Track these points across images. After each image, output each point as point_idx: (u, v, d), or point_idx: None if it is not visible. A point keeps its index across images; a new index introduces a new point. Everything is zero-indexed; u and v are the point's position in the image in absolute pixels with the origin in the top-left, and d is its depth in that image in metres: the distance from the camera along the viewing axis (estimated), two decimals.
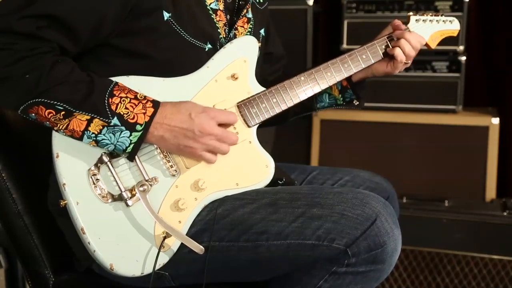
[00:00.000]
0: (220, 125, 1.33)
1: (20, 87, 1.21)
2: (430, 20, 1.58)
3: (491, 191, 2.61)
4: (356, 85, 1.59)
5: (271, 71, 1.69)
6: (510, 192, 2.75)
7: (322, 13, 3.01)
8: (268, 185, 1.40)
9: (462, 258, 2.39)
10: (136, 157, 1.30)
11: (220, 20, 1.43)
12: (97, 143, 1.27)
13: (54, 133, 1.30)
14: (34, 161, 1.52)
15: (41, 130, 1.34)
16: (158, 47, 1.33)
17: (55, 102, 1.23)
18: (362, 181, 1.62)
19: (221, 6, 1.43)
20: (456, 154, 2.64)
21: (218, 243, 1.31)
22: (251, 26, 1.52)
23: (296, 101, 1.44)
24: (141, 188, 1.29)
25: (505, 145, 2.75)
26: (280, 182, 1.48)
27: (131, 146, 1.27)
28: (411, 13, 1.58)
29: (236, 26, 1.47)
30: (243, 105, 1.40)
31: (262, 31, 1.58)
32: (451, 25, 1.62)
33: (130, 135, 1.26)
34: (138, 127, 1.26)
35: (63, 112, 1.24)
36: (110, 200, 1.30)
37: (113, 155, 1.31)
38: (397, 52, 1.50)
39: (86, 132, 1.25)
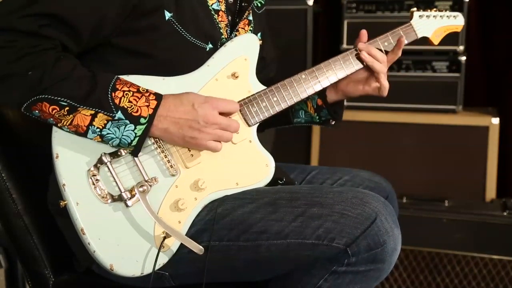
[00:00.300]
0: (222, 114, 1.34)
1: (23, 84, 1.21)
2: (434, 16, 1.58)
3: (491, 191, 2.61)
4: (331, 105, 1.58)
5: (262, 75, 1.68)
6: (510, 192, 2.75)
7: (322, 13, 3.01)
8: (268, 185, 1.40)
9: (462, 258, 2.39)
10: (136, 157, 1.30)
11: (222, 21, 1.43)
12: (102, 137, 1.27)
13: (54, 134, 1.31)
14: (34, 161, 1.52)
15: (41, 130, 1.34)
16: (159, 46, 1.33)
17: (59, 98, 1.23)
18: (361, 181, 1.62)
19: (223, 7, 1.44)
20: (456, 154, 2.64)
21: (218, 243, 1.32)
22: (251, 28, 1.52)
23: (297, 99, 1.44)
24: (140, 189, 1.29)
25: (505, 145, 2.75)
26: (280, 182, 1.48)
27: (136, 139, 1.27)
28: (414, 9, 1.57)
29: (237, 27, 1.48)
30: (244, 104, 1.40)
31: (258, 35, 1.58)
32: (455, 21, 1.61)
33: (135, 128, 1.26)
34: (142, 120, 1.26)
35: (67, 108, 1.24)
36: (110, 201, 1.30)
37: (113, 155, 1.31)
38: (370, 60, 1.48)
39: (90, 127, 1.26)
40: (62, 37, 1.26)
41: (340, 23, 2.78)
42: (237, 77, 1.40)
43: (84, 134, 1.27)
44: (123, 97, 1.26)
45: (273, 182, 1.41)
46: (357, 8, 2.73)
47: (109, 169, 1.30)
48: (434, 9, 1.59)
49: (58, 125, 1.28)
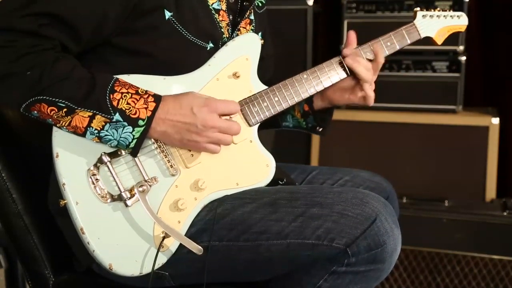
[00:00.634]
0: (222, 115, 1.33)
1: (22, 83, 1.21)
2: (437, 16, 1.57)
3: (491, 191, 2.61)
4: (318, 112, 1.57)
5: (260, 74, 1.68)
6: (510, 192, 2.75)
7: (322, 13, 3.01)
8: (269, 185, 1.40)
9: (462, 258, 2.39)
10: (136, 157, 1.30)
11: (222, 20, 1.43)
12: (100, 139, 1.27)
13: (54, 133, 1.31)
14: (34, 161, 1.52)
15: (41, 130, 1.34)
16: (159, 46, 1.33)
17: (57, 99, 1.23)
18: (362, 181, 1.62)
19: (224, 7, 1.43)
20: (456, 154, 2.64)
21: (218, 243, 1.31)
22: (252, 28, 1.52)
23: (299, 99, 1.44)
24: (140, 189, 1.29)
25: (505, 145, 2.75)
26: (281, 183, 1.47)
27: (134, 141, 1.27)
28: (417, 9, 1.57)
29: (239, 27, 1.47)
30: (245, 104, 1.40)
31: (259, 35, 1.58)
32: (459, 20, 1.61)
33: (133, 130, 1.26)
34: (141, 122, 1.26)
35: (65, 109, 1.24)
36: (109, 200, 1.30)
37: (113, 154, 1.31)
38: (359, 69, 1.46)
39: (88, 128, 1.26)
40: (62, 37, 1.26)
41: (340, 23, 2.78)
42: (238, 76, 1.40)
43: (82, 135, 1.27)
44: (121, 99, 1.26)
45: (273, 183, 1.41)
46: (357, 8, 2.73)
47: (109, 168, 1.30)
48: (438, 9, 1.59)
49: (57, 125, 1.28)
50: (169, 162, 1.33)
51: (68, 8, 1.24)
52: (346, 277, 1.29)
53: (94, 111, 1.24)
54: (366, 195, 1.31)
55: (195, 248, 1.28)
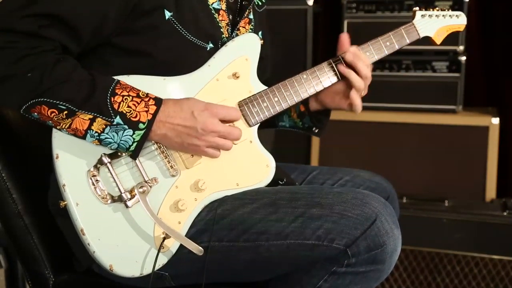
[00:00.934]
0: (223, 121, 1.33)
1: (23, 85, 1.21)
2: (436, 15, 1.57)
3: (491, 191, 2.61)
4: (314, 113, 1.57)
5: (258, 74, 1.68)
6: (510, 192, 2.75)
7: (322, 13, 3.01)
8: (269, 186, 1.40)
9: (462, 258, 2.39)
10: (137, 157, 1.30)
11: (222, 20, 1.43)
12: (100, 141, 1.27)
13: (54, 134, 1.30)
14: (34, 161, 1.52)
15: (41, 130, 1.34)
16: (159, 46, 1.33)
17: (58, 102, 1.23)
18: (362, 181, 1.62)
19: (224, 6, 1.43)
20: (456, 154, 2.64)
21: (218, 243, 1.31)
22: (252, 27, 1.52)
23: (298, 99, 1.44)
24: (140, 190, 1.29)
25: (505, 145, 2.75)
26: (281, 183, 1.47)
27: (134, 144, 1.27)
28: (416, 8, 1.56)
29: (238, 26, 1.47)
30: (244, 104, 1.40)
31: (259, 34, 1.58)
32: (458, 20, 1.60)
33: (133, 133, 1.26)
34: (141, 126, 1.26)
35: (65, 112, 1.24)
36: (109, 201, 1.30)
37: (113, 155, 1.31)
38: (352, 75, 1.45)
39: (89, 131, 1.25)
40: (62, 38, 1.26)
41: (340, 23, 2.78)
42: (238, 77, 1.40)
43: (82, 138, 1.27)
44: (122, 102, 1.26)
45: (273, 183, 1.41)
46: (357, 8, 2.73)
47: (109, 169, 1.30)
48: (437, 8, 1.59)
49: (57, 127, 1.28)
50: (169, 162, 1.33)
51: (68, 8, 1.24)
52: (346, 277, 1.29)
53: (95, 114, 1.24)
54: (366, 195, 1.31)
55: (196, 248, 1.28)
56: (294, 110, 1.60)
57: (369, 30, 2.67)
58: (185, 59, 1.37)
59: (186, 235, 1.32)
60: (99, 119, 1.25)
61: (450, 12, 1.60)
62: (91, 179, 1.30)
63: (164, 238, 1.30)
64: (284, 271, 1.36)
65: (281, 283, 1.38)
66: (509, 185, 2.80)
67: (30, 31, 1.21)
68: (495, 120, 2.61)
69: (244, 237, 1.30)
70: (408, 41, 1.54)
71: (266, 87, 1.43)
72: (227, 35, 1.44)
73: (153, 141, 1.32)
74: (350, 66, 1.46)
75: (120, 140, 1.26)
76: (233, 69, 1.40)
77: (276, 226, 1.29)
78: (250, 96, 1.41)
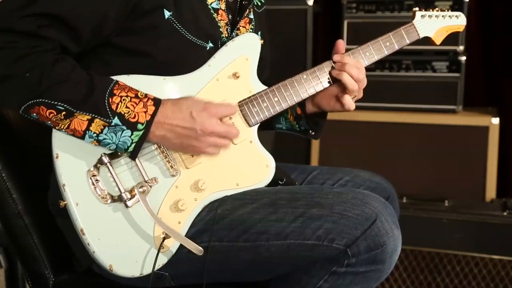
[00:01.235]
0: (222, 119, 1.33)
1: (22, 85, 1.21)
2: (436, 16, 1.57)
3: (491, 191, 2.61)
4: (310, 116, 1.56)
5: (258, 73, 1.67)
6: (510, 192, 2.75)
7: (322, 13, 3.01)
8: (269, 186, 1.40)
9: (462, 258, 2.39)
10: (136, 157, 1.30)
11: (221, 20, 1.43)
12: (99, 142, 1.27)
13: (54, 134, 1.30)
14: (34, 161, 1.52)
15: (41, 130, 1.34)
16: (159, 46, 1.33)
17: (56, 102, 1.23)
18: (362, 181, 1.62)
19: (223, 6, 1.43)
20: (456, 154, 2.64)
21: (218, 243, 1.31)
22: (252, 27, 1.52)
23: (298, 99, 1.44)
24: (140, 189, 1.29)
25: (505, 145, 2.75)
26: (281, 183, 1.47)
27: (133, 145, 1.27)
28: (416, 9, 1.56)
29: (238, 26, 1.47)
30: (244, 104, 1.40)
31: (259, 34, 1.58)
32: (458, 20, 1.60)
33: (132, 134, 1.26)
34: (140, 126, 1.26)
35: (64, 112, 1.24)
36: (109, 201, 1.30)
37: (113, 155, 1.31)
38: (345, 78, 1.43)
39: (87, 132, 1.25)
40: (62, 38, 1.26)
41: (340, 23, 2.78)
42: (238, 77, 1.40)
43: (81, 138, 1.27)
44: (120, 103, 1.25)
45: (273, 183, 1.41)
46: (357, 8, 2.73)
47: (109, 169, 1.30)
48: (436, 8, 1.59)
49: (56, 128, 1.28)
50: (169, 162, 1.33)
51: (68, 8, 1.24)
52: (346, 277, 1.29)
53: (93, 115, 1.24)
54: (366, 195, 1.31)
55: (196, 248, 1.28)
56: (290, 113, 1.60)
57: (369, 30, 2.68)
58: (185, 58, 1.37)
59: (186, 235, 1.32)
60: (97, 119, 1.25)
61: (450, 13, 1.60)
62: (91, 179, 1.30)
63: (164, 238, 1.30)
64: (284, 271, 1.36)
65: (281, 283, 1.38)
66: (509, 185, 2.80)
67: (29, 31, 1.21)
68: (495, 120, 2.61)
69: (244, 237, 1.30)
70: (408, 42, 1.54)
71: (266, 87, 1.42)
72: (226, 35, 1.44)
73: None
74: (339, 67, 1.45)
75: (119, 141, 1.26)
76: (233, 69, 1.40)
77: (276, 226, 1.29)
78: (250, 96, 1.41)
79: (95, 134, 1.26)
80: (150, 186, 1.30)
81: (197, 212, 1.34)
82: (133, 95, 1.27)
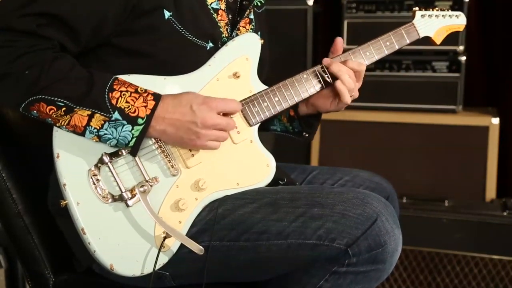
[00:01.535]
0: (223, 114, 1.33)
1: (21, 83, 1.21)
2: (436, 15, 1.57)
3: (491, 191, 2.61)
4: (303, 118, 1.55)
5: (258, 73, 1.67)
6: (510, 192, 2.75)
7: (322, 13, 3.01)
8: (269, 185, 1.40)
9: (462, 258, 2.39)
10: (137, 157, 1.30)
11: (221, 20, 1.43)
12: (100, 138, 1.27)
13: (55, 133, 1.30)
14: (34, 161, 1.52)
15: (41, 130, 1.34)
16: (159, 46, 1.33)
17: (56, 99, 1.23)
18: (362, 181, 1.62)
19: (223, 6, 1.43)
20: (456, 154, 2.64)
21: (218, 243, 1.31)
22: (252, 27, 1.52)
23: (299, 99, 1.44)
24: (141, 189, 1.29)
25: (505, 145, 2.75)
26: (281, 183, 1.47)
27: (134, 140, 1.27)
28: (416, 8, 1.56)
29: (238, 26, 1.47)
30: (245, 104, 1.40)
31: (258, 34, 1.57)
32: (458, 20, 1.61)
33: (132, 128, 1.26)
34: (140, 121, 1.26)
35: (64, 108, 1.24)
36: (110, 201, 1.30)
37: (114, 155, 1.31)
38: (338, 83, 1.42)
39: (88, 127, 1.25)
40: (61, 37, 1.26)
41: (340, 23, 2.78)
42: (238, 76, 1.40)
43: (81, 134, 1.27)
44: (120, 98, 1.25)
45: (274, 183, 1.41)
46: (357, 8, 2.74)
47: (109, 169, 1.30)
48: (436, 8, 1.59)
49: (57, 124, 1.28)
50: (169, 162, 1.33)
51: (67, 8, 1.24)
52: (347, 277, 1.29)
53: (93, 110, 1.24)
54: (367, 195, 1.31)
55: (196, 248, 1.28)
56: (284, 115, 1.60)
57: (369, 30, 2.68)
58: (185, 59, 1.37)
59: (186, 235, 1.32)
60: (97, 115, 1.25)
61: (450, 12, 1.60)
62: (91, 178, 1.30)
63: (165, 238, 1.30)
64: (285, 270, 1.36)
65: (281, 283, 1.38)
66: (509, 185, 2.80)
67: (28, 30, 1.21)
68: (495, 120, 2.61)
69: (244, 237, 1.30)
70: (408, 41, 1.54)
71: (266, 87, 1.42)
72: (226, 35, 1.44)
73: (153, 140, 1.32)
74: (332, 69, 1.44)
75: (119, 136, 1.26)
76: (233, 69, 1.40)
77: (276, 226, 1.29)
78: (250, 96, 1.41)
79: (95, 130, 1.26)
80: (151, 186, 1.30)
81: (197, 211, 1.34)
82: (133, 90, 1.27)
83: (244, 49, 1.42)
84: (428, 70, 2.69)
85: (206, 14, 1.40)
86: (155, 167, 1.32)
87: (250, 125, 1.40)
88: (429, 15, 1.57)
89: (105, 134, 1.26)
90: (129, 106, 1.25)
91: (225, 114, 1.34)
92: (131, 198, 1.29)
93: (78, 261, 1.42)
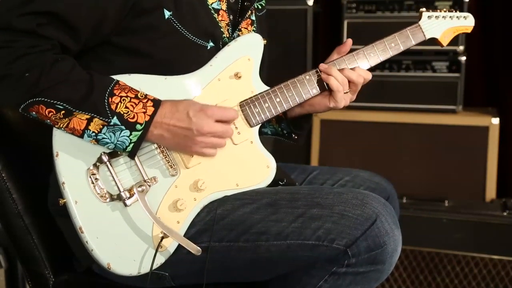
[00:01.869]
0: (220, 121, 1.32)
1: (20, 85, 1.21)
2: (443, 17, 1.55)
3: (491, 191, 2.61)
4: (293, 119, 1.54)
5: None
6: (510, 192, 2.75)
7: (322, 13, 3.01)
8: (269, 186, 1.40)
9: (462, 258, 2.39)
10: (136, 157, 1.30)
11: (222, 20, 1.43)
12: (98, 141, 1.27)
13: (55, 132, 1.31)
14: (34, 161, 1.52)
15: (41, 129, 1.34)
16: (159, 45, 1.33)
17: (55, 101, 1.23)
18: (362, 181, 1.62)
19: (224, 6, 1.43)
20: (456, 154, 2.64)
21: (218, 244, 1.31)
22: (254, 29, 1.52)
23: (300, 100, 1.43)
24: (139, 189, 1.29)
25: (505, 145, 2.75)
26: (281, 183, 1.47)
27: (131, 145, 1.27)
28: (423, 9, 1.55)
29: (240, 27, 1.47)
30: (246, 105, 1.39)
31: None
32: (466, 21, 1.59)
33: (130, 134, 1.26)
34: (138, 127, 1.26)
35: (63, 111, 1.24)
36: (108, 200, 1.30)
37: (112, 154, 1.31)
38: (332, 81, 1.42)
39: (86, 131, 1.25)
40: (61, 37, 1.25)
41: (340, 23, 2.78)
42: (240, 77, 1.39)
43: (80, 137, 1.27)
44: (120, 103, 1.25)
45: (273, 183, 1.41)
46: (357, 8, 2.73)
47: (108, 168, 1.30)
48: (444, 9, 1.57)
49: (55, 126, 1.28)
50: (168, 162, 1.33)
51: (67, 6, 1.23)
52: (346, 278, 1.29)
53: (92, 114, 1.24)
54: (366, 195, 1.31)
55: (194, 248, 1.28)
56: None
57: (369, 30, 2.68)
58: (185, 58, 1.37)
59: (186, 235, 1.32)
60: (96, 119, 1.25)
61: (458, 14, 1.57)
62: (90, 177, 1.30)
63: (162, 238, 1.30)
64: (284, 271, 1.36)
65: (281, 283, 1.38)
66: (509, 185, 2.80)
67: (28, 30, 1.21)
68: (495, 120, 2.61)
69: (244, 237, 1.30)
70: (413, 43, 1.52)
71: (268, 88, 1.42)
72: (227, 35, 1.44)
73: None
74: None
75: (117, 141, 1.26)
76: (235, 69, 1.40)
77: (276, 226, 1.29)
78: (252, 97, 1.40)
79: (93, 134, 1.26)
80: (149, 186, 1.30)
81: (196, 212, 1.34)
82: (133, 96, 1.27)
83: (246, 50, 1.42)
84: (428, 70, 2.69)
85: (206, 14, 1.40)
86: (154, 167, 1.32)
87: (251, 126, 1.40)
88: (436, 16, 1.55)
89: (103, 138, 1.26)
90: (128, 112, 1.25)
91: (223, 122, 1.34)
92: (129, 198, 1.29)
93: (78, 261, 1.42)
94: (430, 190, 2.64)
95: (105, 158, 1.30)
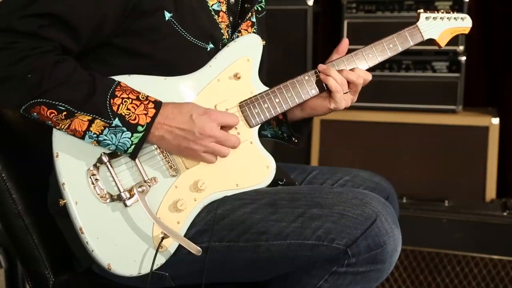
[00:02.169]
0: (222, 127, 1.33)
1: (22, 86, 1.21)
2: (440, 18, 1.55)
3: (491, 191, 2.61)
4: (293, 122, 1.54)
5: None
6: (510, 192, 2.75)
7: (322, 13, 3.01)
8: (269, 186, 1.40)
9: (462, 258, 2.39)
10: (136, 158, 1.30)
11: (222, 22, 1.43)
12: (99, 143, 1.27)
13: (55, 133, 1.31)
14: (34, 161, 1.52)
15: (41, 130, 1.34)
16: (159, 47, 1.33)
17: (57, 103, 1.23)
18: (362, 181, 1.62)
19: (224, 8, 1.43)
20: (456, 154, 2.64)
21: (218, 244, 1.31)
22: (254, 30, 1.52)
23: (300, 100, 1.43)
24: (139, 189, 1.29)
25: (505, 145, 2.75)
26: (281, 183, 1.47)
27: (132, 147, 1.27)
28: (421, 10, 1.55)
29: (240, 29, 1.47)
30: (245, 105, 1.39)
31: None
32: (463, 22, 1.59)
33: (132, 136, 1.26)
34: (140, 128, 1.26)
35: (64, 113, 1.24)
36: (108, 200, 1.30)
37: (112, 155, 1.31)
38: (330, 82, 1.42)
39: (87, 132, 1.26)
40: (62, 38, 1.26)
41: (340, 23, 2.78)
42: (239, 78, 1.40)
43: (81, 138, 1.27)
44: (121, 104, 1.26)
45: (273, 183, 1.41)
46: (357, 8, 2.73)
47: (108, 169, 1.30)
48: (442, 10, 1.58)
49: (56, 127, 1.28)
50: (168, 163, 1.33)
51: (68, 8, 1.24)
52: (346, 277, 1.29)
53: (94, 115, 1.24)
54: (366, 195, 1.31)
55: (194, 249, 1.28)
56: (273, 119, 1.59)
57: (369, 30, 2.68)
58: (185, 59, 1.37)
59: (186, 236, 1.32)
60: (98, 120, 1.25)
61: (455, 15, 1.58)
62: (90, 178, 1.30)
63: (163, 238, 1.30)
64: (284, 271, 1.36)
65: (281, 283, 1.38)
66: (509, 185, 2.80)
67: (29, 31, 1.21)
68: (495, 120, 2.61)
69: (244, 237, 1.30)
70: (411, 44, 1.53)
71: (267, 88, 1.42)
72: (227, 37, 1.44)
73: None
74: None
75: (118, 142, 1.26)
76: (234, 70, 1.40)
77: (276, 226, 1.29)
78: (251, 97, 1.40)
79: (95, 135, 1.26)
80: (149, 186, 1.31)
81: (196, 212, 1.34)
82: (135, 97, 1.27)
83: (245, 50, 1.42)
84: (428, 70, 2.69)
85: (206, 15, 1.40)
86: (154, 168, 1.32)
87: (251, 126, 1.40)
88: (433, 17, 1.55)
89: (104, 139, 1.26)
90: (129, 113, 1.25)
91: (224, 128, 1.33)
92: (129, 198, 1.30)
93: (78, 261, 1.42)
94: (430, 190, 2.64)
95: (105, 159, 1.30)
